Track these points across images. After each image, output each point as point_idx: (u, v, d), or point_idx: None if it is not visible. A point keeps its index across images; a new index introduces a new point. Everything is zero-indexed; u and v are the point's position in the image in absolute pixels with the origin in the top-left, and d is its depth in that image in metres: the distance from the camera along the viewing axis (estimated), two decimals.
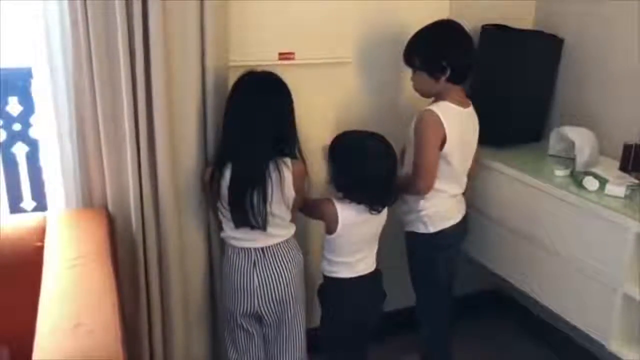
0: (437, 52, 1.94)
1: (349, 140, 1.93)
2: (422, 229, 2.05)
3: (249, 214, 1.79)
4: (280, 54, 2.11)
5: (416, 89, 2.04)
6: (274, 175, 1.79)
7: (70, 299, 1.40)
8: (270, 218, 1.82)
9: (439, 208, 2.03)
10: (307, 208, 2.01)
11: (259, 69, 1.87)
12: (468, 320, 2.49)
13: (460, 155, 2.02)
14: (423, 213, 2.02)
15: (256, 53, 2.06)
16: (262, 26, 2.05)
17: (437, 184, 1.98)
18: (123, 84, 1.76)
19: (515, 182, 2.15)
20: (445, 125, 1.90)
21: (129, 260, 1.92)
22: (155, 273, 1.95)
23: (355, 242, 1.95)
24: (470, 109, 2.05)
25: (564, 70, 2.42)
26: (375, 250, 2.03)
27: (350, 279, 1.97)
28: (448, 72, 1.92)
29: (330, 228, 1.92)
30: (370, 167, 1.87)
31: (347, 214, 1.89)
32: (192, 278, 2.05)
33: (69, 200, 1.87)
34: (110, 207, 1.88)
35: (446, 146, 1.93)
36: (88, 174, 1.85)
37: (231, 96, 1.84)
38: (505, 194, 2.21)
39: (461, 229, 2.13)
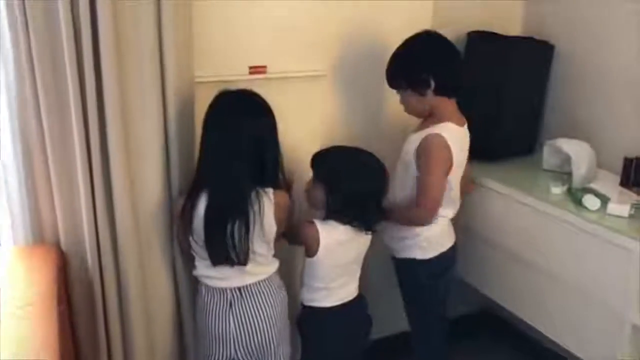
0: (416, 65, 1.83)
1: (337, 157, 1.83)
2: (419, 255, 1.94)
3: (228, 250, 1.62)
4: (250, 67, 1.95)
5: (407, 111, 1.92)
6: (254, 206, 1.62)
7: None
8: (251, 254, 1.65)
9: (435, 233, 1.92)
10: (289, 234, 1.86)
11: (234, 87, 1.70)
12: (461, 343, 2.34)
13: (457, 177, 1.89)
14: (421, 238, 1.91)
15: (224, 67, 1.90)
16: (230, 37, 1.89)
17: (442, 210, 1.88)
18: (72, 107, 1.57)
19: (508, 200, 2.02)
20: (452, 149, 1.79)
21: (85, 303, 1.73)
22: (116, 316, 1.76)
23: (338, 265, 1.83)
24: (466, 127, 1.91)
25: (556, 78, 2.31)
26: (358, 276, 1.91)
27: (331, 308, 1.85)
28: (432, 85, 1.80)
29: (311, 250, 1.79)
30: (363, 183, 1.77)
31: (329, 234, 1.78)
32: (158, 322, 1.87)
33: (16, 236, 1.68)
34: (62, 244, 1.69)
35: (452, 170, 1.82)
36: (37, 207, 1.66)
37: (206, 119, 1.66)
38: (498, 213, 2.07)
39: (455, 250, 2.01)
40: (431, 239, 1.91)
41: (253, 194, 1.62)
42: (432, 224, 1.87)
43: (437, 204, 1.81)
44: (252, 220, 1.61)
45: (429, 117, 1.87)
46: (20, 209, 1.66)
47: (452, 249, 1.98)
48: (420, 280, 1.98)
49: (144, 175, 1.73)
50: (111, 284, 1.74)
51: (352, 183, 1.76)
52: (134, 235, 1.73)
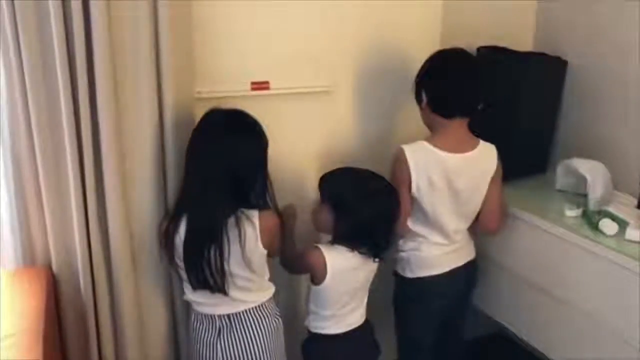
0: (417, 76, 1.82)
1: (346, 180, 1.76)
2: (401, 271, 1.94)
3: (206, 275, 1.54)
4: (253, 83, 1.88)
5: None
6: (232, 231, 1.53)
7: None
8: (229, 279, 1.56)
9: (420, 253, 1.88)
10: (290, 263, 1.80)
11: (227, 104, 1.62)
12: None
13: (444, 203, 1.81)
14: (402, 255, 1.91)
15: (226, 83, 1.83)
16: (232, 52, 1.83)
17: (414, 226, 1.86)
18: (65, 125, 1.51)
19: (520, 223, 1.93)
20: (411, 165, 1.76)
21: (77, 325, 1.67)
22: (109, 339, 1.70)
23: (345, 292, 1.76)
24: (472, 153, 1.81)
25: (569, 95, 2.23)
26: (365, 301, 1.85)
27: (339, 334, 1.79)
28: (424, 99, 1.78)
29: (318, 278, 1.72)
30: (371, 209, 1.69)
31: (336, 261, 1.71)
32: (152, 345, 1.79)
33: (6, 258, 1.61)
34: (54, 266, 1.62)
35: (413, 188, 1.78)
36: (28, 228, 1.60)
37: (192, 139, 1.59)
38: (509, 236, 1.97)
39: (453, 280, 1.90)
40: (411, 259, 1.88)
41: (232, 219, 1.53)
42: (412, 241, 1.86)
43: (404, 216, 1.80)
44: (226, 246, 1.52)
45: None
46: (10, 229, 1.60)
47: (446, 277, 1.88)
48: (400, 298, 1.97)
49: (139, 196, 1.67)
50: (104, 306, 1.69)
51: (361, 208, 1.69)
52: (127, 257, 1.67)
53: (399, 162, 1.77)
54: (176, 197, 1.64)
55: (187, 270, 1.57)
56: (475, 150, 1.81)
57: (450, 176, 1.77)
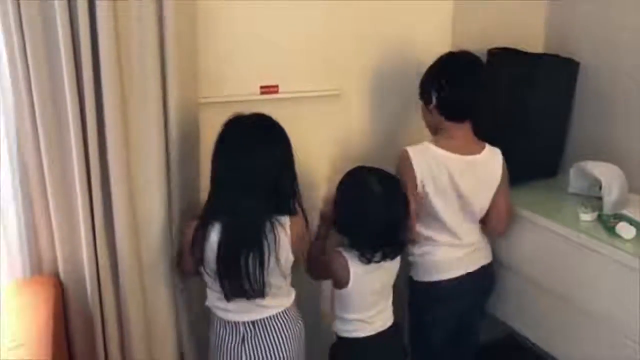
0: (427, 78, 1.82)
1: (352, 177, 1.74)
2: (414, 276, 1.92)
3: (244, 283, 1.51)
4: (262, 87, 1.86)
5: (425, 121, 1.90)
6: (269, 237, 1.52)
7: None
8: (267, 283, 1.55)
9: (431, 257, 1.86)
10: (313, 269, 1.78)
11: (246, 111, 1.59)
12: None
13: (449, 205, 1.80)
14: (413, 259, 1.89)
15: (233, 87, 1.81)
16: (240, 55, 1.80)
17: (424, 230, 1.84)
18: (72, 136, 1.49)
19: (533, 227, 1.89)
20: (415, 167, 1.75)
21: (85, 337, 1.65)
22: (117, 350, 1.67)
23: (370, 294, 1.74)
24: (478, 156, 1.81)
25: (581, 96, 2.19)
26: (390, 301, 1.83)
27: (368, 337, 1.76)
28: (434, 101, 1.77)
29: (341, 282, 1.70)
30: (370, 206, 1.66)
31: (358, 262, 1.68)
32: (160, 355, 1.76)
33: (14, 267, 1.59)
34: (61, 275, 1.60)
35: (418, 188, 1.76)
36: (35, 237, 1.59)
37: (217, 146, 1.56)
38: (522, 239, 1.94)
39: (467, 285, 1.88)
40: (423, 263, 1.86)
41: (267, 225, 1.52)
42: (423, 245, 1.84)
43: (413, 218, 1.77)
44: (266, 253, 1.51)
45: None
46: (18, 239, 1.59)
47: (459, 281, 1.85)
48: (414, 302, 1.95)
49: (145, 205, 1.65)
50: (111, 315, 1.67)
51: (358, 206, 1.67)
52: (134, 266, 1.64)
53: (403, 163, 1.77)
54: (205, 205, 1.59)
55: (223, 281, 1.54)
56: (481, 154, 1.82)
57: (454, 177, 1.77)
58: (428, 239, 1.84)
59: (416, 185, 1.76)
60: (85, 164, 1.52)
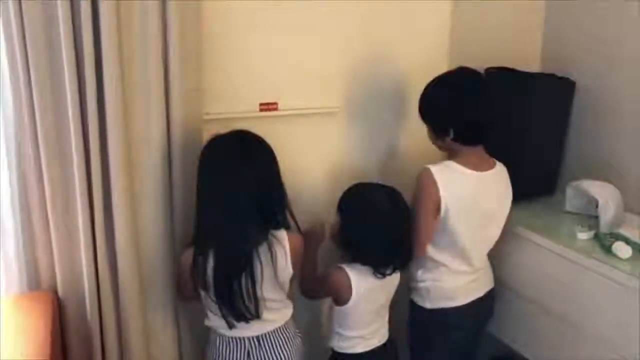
0: (438, 114, 1.76)
1: (354, 194, 1.75)
2: (419, 302, 1.86)
3: (238, 305, 1.51)
4: (261, 104, 1.87)
5: (432, 143, 1.84)
6: (264, 255, 1.51)
7: None
8: (262, 303, 1.55)
9: (441, 284, 1.81)
10: (311, 287, 1.78)
11: (235, 126, 1.60)
12: None
13: (470, 225, 1.75)
14: (421, 285, 1.84)
15: (233, 104, 1.83)
16: (240, 73, 1.82)
17: (435, 255, 1.78)
18: (73, 148, 1.50)
19: (530, 245, 1.89)
20: (440, 187, 1.68)
21: (83, 353, 1.63)
22: None
23: (370, 311, 1.74)
24: (493, 172, 1.80)
25: (578, 116, 2.21)
26: (387, 318, 1.83)
27: (364, 353, 1.77)
28: (451, 134, 1.72)
29: (342, 299, 1.69)
30: (372, 222, 1.67)
31: (360, 279, 1.68)
32: None
33: (11, 282, 1.58)
34: (60, 291, 1.59)
35: (442, 212, 1.70)
36: (33, 251, 1.58)
37: (201, 169, 1.55)
38: (519, 257, 1.95)
39: (473, 311, 1.86)
40: (431, 289, 1.81)
41: (263, 243, 1.51)
42: (432, 272, 1.79)
43: (420, 238, 1.73)
44: (258, 271, 1.51)
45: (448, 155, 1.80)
46: (16, 253, 1.58)
47: (465, 309, 1.82)
48: (418, 328, 1.90)
49: (146, 220, 1.65)
50: (111, 332, 1.65)
51: (361, 222, 1.67)
52: (135, 282, 1.63)
53: (427, 182, 1.68)
54: (195, 233, 1.58)
55: (220, 305, 1.53)
56: (495, 169, 1.80)
57: (477, 195, 1.73)
58: (440, 264, 1.79)
59: (439, 206, 1.69)
60: (86, 178, 1.52)
